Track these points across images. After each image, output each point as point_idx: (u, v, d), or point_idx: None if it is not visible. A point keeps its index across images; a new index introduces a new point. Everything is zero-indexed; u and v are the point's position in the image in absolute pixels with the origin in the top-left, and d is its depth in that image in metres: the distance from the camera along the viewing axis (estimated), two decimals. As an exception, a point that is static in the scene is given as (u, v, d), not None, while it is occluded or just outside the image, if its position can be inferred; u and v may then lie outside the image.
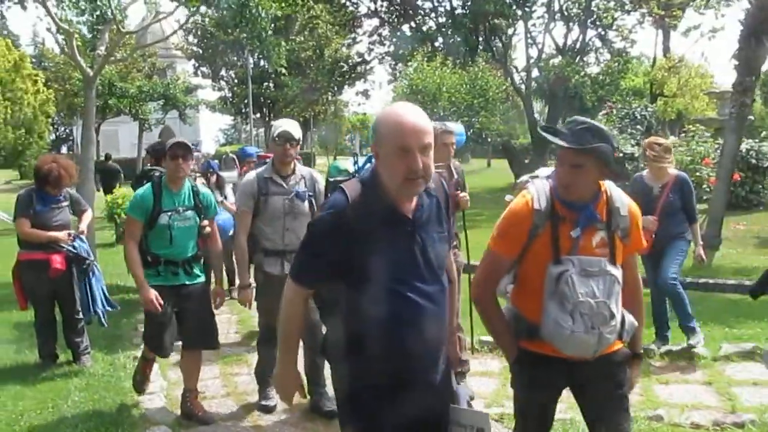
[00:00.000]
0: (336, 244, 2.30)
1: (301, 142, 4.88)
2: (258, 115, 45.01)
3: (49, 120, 25.75)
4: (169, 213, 4.70)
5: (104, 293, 6.38)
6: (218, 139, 76.78)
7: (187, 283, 4.88)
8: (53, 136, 60.32)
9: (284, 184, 4.82)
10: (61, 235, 6.02)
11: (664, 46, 25.97)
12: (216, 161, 11.16)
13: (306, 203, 4.86)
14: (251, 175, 4.96)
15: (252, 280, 5.00)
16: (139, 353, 6.78)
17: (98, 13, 11.25)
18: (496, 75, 17.05)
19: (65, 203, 6.21)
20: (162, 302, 4.65)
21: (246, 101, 44.64)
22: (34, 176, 6.18)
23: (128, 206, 4.84)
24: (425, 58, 16.07)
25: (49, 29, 10.80)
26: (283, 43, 10.60)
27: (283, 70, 41.68)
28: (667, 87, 22.66)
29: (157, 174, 4.96)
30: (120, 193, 14.50)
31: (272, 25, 10.07)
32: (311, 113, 45.87)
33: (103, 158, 20.39)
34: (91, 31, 11.43)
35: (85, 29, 11.44)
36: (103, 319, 6.30)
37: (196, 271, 4.95)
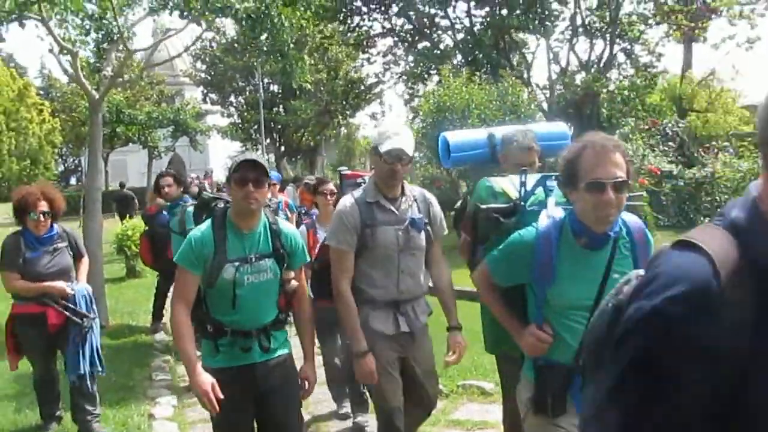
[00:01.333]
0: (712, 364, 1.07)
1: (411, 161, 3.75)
2: (268, 140, 44.42)
3: (56, 150, 24.70)
4: (237, 263, 3.31)
5: (98, 352, 5.32)
6: (227, 166, 76.11)
7: (265, 360, 3.43)
8: (61, 168, 60.03)
9: (395, 210, 3.66)
10: (59, 285, 5.06)
11: (685, 60, 25.09)
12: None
13: (423, 234, 3.72)
14: (348, 200, 3.71)
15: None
16: (155, 409, 5.85)
17: (103, 32, 10.42)
18: (526, 90, 16.10)
19: (62, 244, 5.25)
20: (222, 395, 3.16)
21: (255, 127, 44.19)
22: (14, 213, 5.20)
23: (179, 253, 3.38)
24: (450, 74, 15.12)
25: (51, 50, 9.83)
26: (306, 57, 9.70)
27: (295, 92, 41.40)
28: (696, 102, 21.73)
29: (220, 206, 3.49)
30: (130, 224, 13.70)
31: (293, 38, 9.16)
32: (322, 137, 45.25)
33: (118, 187, 19.99)
34: (96, 53, 10.60)
35: (89, 51, 10.59)
36: (88, 381, 5.23)
37: (277, 344, 3.49)
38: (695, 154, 18.34)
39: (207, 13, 8.78)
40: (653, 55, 22.94)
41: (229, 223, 3.35)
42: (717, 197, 14.62)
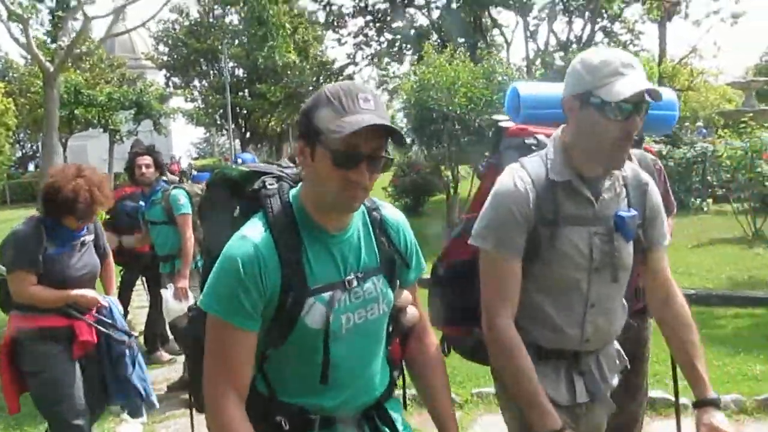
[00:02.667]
0: None
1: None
2: (233, 126, 43.30)
3: (10, 133, 23.09)
4: (328, 295, 1.76)
5: (147, 382, 4.06)
6: (191, 153, 74.56)
7: None
8: (19, 154, 57.91)
9: (593, 200, 2.14)
10: (91, 294, 3.77)
11: (660, 38, 24.69)
12: (205, 173, 9.35)
13: (630, 245, 2.20)
14: (515, 174, 2.16)
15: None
16: (122, 427, 4.98)
17: (59, -2, 9.48)
18: (515, 67, 15.40)
19: (90, 237, 3.88)
20: None
21: (220, 112, 43.01)
22: (45, 201, 3.68)
23: (209, 295, 1.73)
24: (433, 51, 14.29)
25: None
26: (287, 26, 8.84)
27: (261, 76, 40.35)
28: (677, 81, 21.28)
29: (272, 186, 1.85)
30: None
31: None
32: (290, 123, 44.22)
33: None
34: (51, 21, 9.62)
35: (43, 19, 9.60)
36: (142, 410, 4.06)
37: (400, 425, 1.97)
38: (679, 134, 17.94)
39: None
40: (632, 33, 22.46)
41: (304, 220, 1.77)
42: (714, 177, 14.11)
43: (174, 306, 5.26)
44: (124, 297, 8.01)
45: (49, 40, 9.50)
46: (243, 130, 44.12)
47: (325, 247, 1.79)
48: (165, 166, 6.61)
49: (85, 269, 3.77)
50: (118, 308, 3.96)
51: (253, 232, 1.72)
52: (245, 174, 1.90)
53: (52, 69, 8.69)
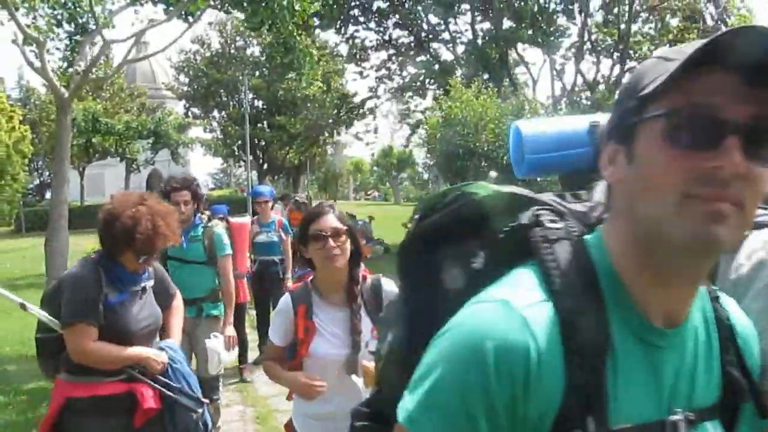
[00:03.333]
0: None
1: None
2: (251, 157, 43.11)
3: (26, 161, 22.71)
4: None
5: None
6: (207, 183, 74.61)
7: None
8: (36, 182, 58.01)
9: None
10: (155, 354, 3.10)
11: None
12: (223, 205, 8.86)
13: None
14: None
15: None
16: None
17: (78, 22, 9.11)
18: (542, 106, 14.92)
19: (150, 283, 3.23)
20: None
21: (239, 143, 42.85)
22: (101, 230, 3.05)
23: (413, 402, 0.89)
24: (461, 84, 13.89)
25: (14, 41, 8.45)
26: (314, 53, 8.36)
27: (280, 108, 40.25)
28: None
29: (557, 232, 0.97)
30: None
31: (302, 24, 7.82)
32: (308, 155, 44.00)
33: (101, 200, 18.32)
34: (68, 46, 9.27)
35: (60, 43, 9.25)
36: None
37: None
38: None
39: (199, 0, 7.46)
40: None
41: (616, 295, 0.91)
42: None
43: (226, 358, 4.76)
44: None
45: (65, 65, 9.11)
46: (261, 161, 43.92)
47: (645, 354, 0.92)
48: (203, 197, 5.85)
49: (147, 320, 3.11)
50: (186, 368, 3.26)
51: (523, 300, 0.88)
52: (504, 198, 1.04)
53: (66, 94, 8.31)
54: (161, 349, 3.16)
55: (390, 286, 2.83)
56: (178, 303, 3.48)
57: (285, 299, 2.89)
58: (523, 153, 2.17)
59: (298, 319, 2.79)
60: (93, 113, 18.58)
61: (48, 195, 56.05)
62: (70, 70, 8.90)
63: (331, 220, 2.79)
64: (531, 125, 2.42)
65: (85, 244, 11.99)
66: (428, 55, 23.23)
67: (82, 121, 15.40)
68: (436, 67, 22.37)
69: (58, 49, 9.24)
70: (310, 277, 2.95)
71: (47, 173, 57.71)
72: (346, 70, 32.31)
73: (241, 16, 7.86)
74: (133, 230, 2.94)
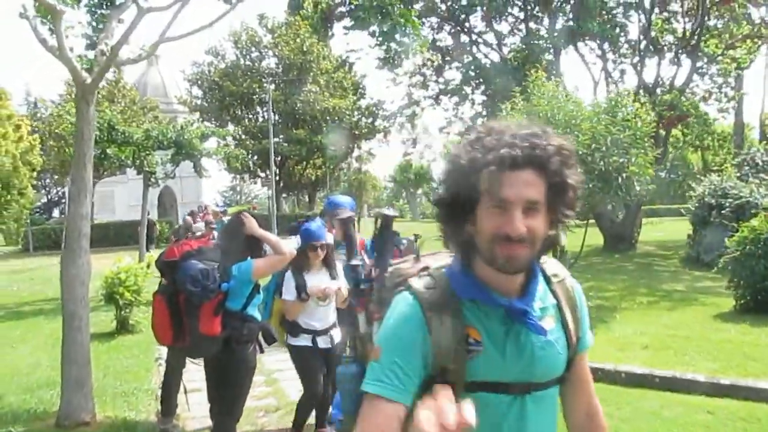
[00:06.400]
0: None
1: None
2: (265, 174, 41.37)
3: (34, 174, 20.71)
4: None
5: None
6: (216, 202, 72.73)
7: None
8: (44, 199, 56.31)
9: None
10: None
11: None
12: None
13: None
14: None
15: None
16: None
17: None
18: (639, 101, 12.94)
19: None
20: None
21: (254, 158, 41.07)
22: None
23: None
24: (545, 78, 11.95)
25: (23, 14, 6.56)
26: (415, 19, 6.57)
27: (297, 121, 38.57)
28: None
29: None
30: (124, 266, 10.35)
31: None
32: (328, 170, 42.25)
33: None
34: (91, 24, 7.43)
35: (81, 15, 7.42)
36: None
37: None
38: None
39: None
40: (730, 75, 20.10)
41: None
42: None
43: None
44: (171, 386, 5.99)
45: (86, 44, 7.23)
46: (277, 177, 42.11)
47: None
48: None
49: None
50: None
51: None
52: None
53: (89, 80, 6.46)
54: None
55: None
56: None
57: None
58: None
59: None
60: (108, 121, 16.62)
61: (56, 213, 54.21)
62: (94, 51, 7.04)
63: None
64: None
65: (101, 267, 10.16)
66: (471, 58, 21.34)
67: (97, 130, 13.53)
68: (478, 71, 20.52)
69: (79, 23, 7.36)
70: None
71: (55, 190, 56.07)
72: (362, 81, 30.44)
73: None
74: None
